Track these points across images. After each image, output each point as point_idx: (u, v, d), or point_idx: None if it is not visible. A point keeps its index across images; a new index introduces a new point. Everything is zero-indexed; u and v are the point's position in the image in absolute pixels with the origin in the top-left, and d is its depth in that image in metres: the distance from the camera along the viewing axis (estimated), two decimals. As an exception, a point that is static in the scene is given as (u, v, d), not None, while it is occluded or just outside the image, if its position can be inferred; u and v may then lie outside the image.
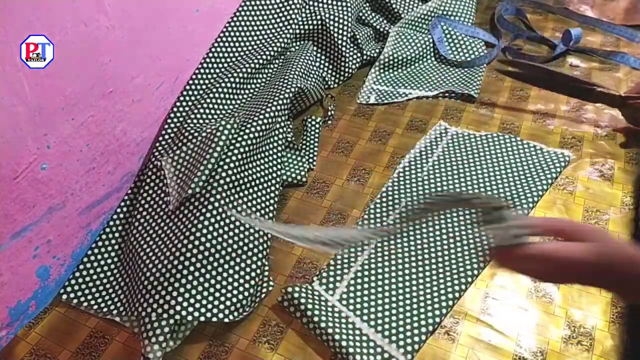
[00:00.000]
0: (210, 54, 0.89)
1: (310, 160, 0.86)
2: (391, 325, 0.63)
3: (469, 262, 0.68)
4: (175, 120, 0.83)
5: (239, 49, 0.94)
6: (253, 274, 0.67)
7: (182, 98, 0.84)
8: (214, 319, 0.62)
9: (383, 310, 0.65)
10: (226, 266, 0.66)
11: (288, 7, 0.99)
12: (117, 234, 0.75)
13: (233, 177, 0.71)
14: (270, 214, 0.74)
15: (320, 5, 1.02)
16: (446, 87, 0.98)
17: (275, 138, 0.82)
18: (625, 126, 0.85)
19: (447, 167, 0.82)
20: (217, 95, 0.85)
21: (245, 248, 0.68)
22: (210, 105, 0.84)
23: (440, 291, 0.66)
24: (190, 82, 0.86)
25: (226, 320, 0.63)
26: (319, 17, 1.00)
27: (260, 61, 0.91)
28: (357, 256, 0.71)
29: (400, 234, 0.72)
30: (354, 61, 1.04)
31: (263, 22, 0.97)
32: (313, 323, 0.62)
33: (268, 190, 0.76)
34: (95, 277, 0.71)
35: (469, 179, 0.80)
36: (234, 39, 0.93)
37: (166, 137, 0.81)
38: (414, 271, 0.68)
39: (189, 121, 0.80)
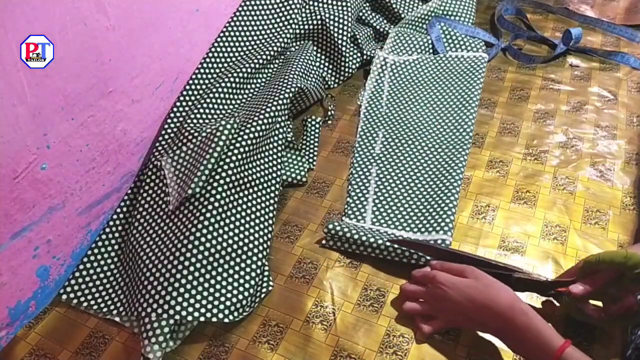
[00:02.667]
0: (210, 54, 0.89)
1: (310, 160, 0.86)
2: (422, 221, 0.73)
3: (458, 132, 0.86)
4: (175, 120, 0.83)
5: (239, 49, 0.94)
6: (253, 274, 0.67)
7: (182, 98, 0.84)
8: (214, 319, 0.62)
9: (410, 213, 0.75)
10: (226, 266, 0.66)
11: (288, 7, 0.99)
12: (117, 234, 0.75)
13: (233, 177, 0.71)
14: (270, 214, 0.74)
15: (320, 5, 1.02)
16: None
17: (275, 138, 0.82)
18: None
19: (399, 96, 0.95)
20: (217, 95, 0.85)
21: (245, 248, 0.68)
22: (210, 105, 0.84)
23: (447, 169, 0.80)
24: (190, 82, 0.86)
25: (226, 320, 0.63)
26: (319, 17, 1.00)
27: (260, 61, 0.91)
28: (368, 183, 0.80)
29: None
30: (354, 61, 1.04)
31: (263, 22, 0.97)
32: (364, 245, 0.69)
33: (268, 190, 0.76)
34: (95, 277, 0.71)
35: (419, 102, 0.94)
36: (234, 39, 0.93)
37: (166, 137, 0.81)
38: (418, 165, 0.82)
39: (188, 121, 0.80)
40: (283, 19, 0.99)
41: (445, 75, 0.99)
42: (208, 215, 0.67)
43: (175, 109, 0.83)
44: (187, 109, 0.84)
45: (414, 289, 0.63)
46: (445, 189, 0.77)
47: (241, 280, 0.66)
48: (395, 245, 0.68)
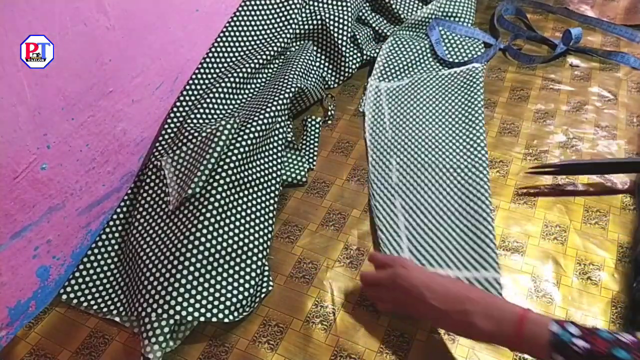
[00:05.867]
0: (210, 54, 0.89)
1: (310, 160, 0.86)
2: (464, 258, 0.68)
3: (472, 149, 0.82)
4: (175, 120, 0.83)
5: (239, 49, 0.94)
6: (253, 274, 0.67)
7: (182, 98, 0.84)
8: (214, 319, 0.62)
9: (449, 250, 0.70)
10: (226, 266, 0.66)
11: (288, 7, 0.99)
12: (117, 234, 0.75)
13: (233, 177, 0.71)
14: (270, 214, 0.74)
15: (320, 5, 1.02)
16: None
17: (275, 138, 0.82)
18: None
19: (401, 120, 0.91)
20: (217, 95, 0.85)
21: (245, 248, 0.68)
22: (210, 105, 0.84)
23: (473, 193, 0.75)
24: (190, 82, 0.86)
25: (226, 320, 0.63)
26: (319, 17, 1.00)
27: (260, 61, 0.91)
28: (396, 217, 0.74)
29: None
30: (354, 61, 1.04)
31: (263, 22, 0.97)
32: None
33: (268, 190, 0.76)
34: (95, 277, 0.71)
35: (423, 123, 0.89)
36: (234, 39, 0.93)
37: (166, 137, 0.81)
38: (442, 192, 0.77)
39: (188, 121, 0.80)
40: (283, 19, 0.99)
41: (443, 92, 0.95)
42: (208, 215, 0.67)
43: (175, 109, 0.83)
44: (187, 109, 0.84)
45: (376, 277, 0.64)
46: (478, 221, 0.71)
47: (241, 280, 0.66)
48: None
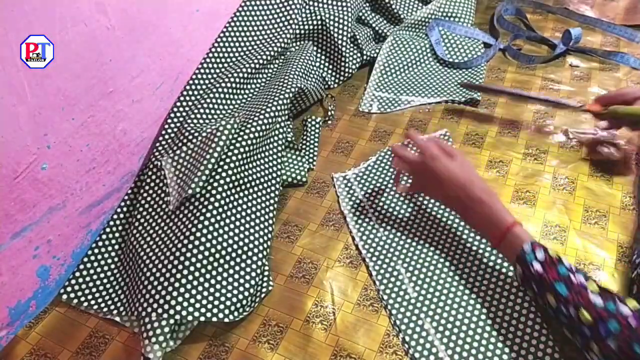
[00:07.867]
0: (210, 54, 0.89)
1: (310, 160, 0.86)
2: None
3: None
4: (175, 120, 0.83)
5: (239, 49, 0.94)
6: (253, 274, 0.67)
7: (182, 98, 0.84)
8: (214, 319, 0.62)
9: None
10: (226, 266, 0.66)
11: (288, 7, 0.99)
12: (117, 234, 0.75)
13: (233, 177, 0.71)
14: (270, 214, 0.75)
15: (320, 5, 1.02)
16: (449, 96, 0.96)
17: (275, 138, 0.82)
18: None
19: (386, 209, 0.77)
20: (217, 95, 0.85)
21: (245, 248, 0.69)
22: (211, 105, 0.84)
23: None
24: (191, 82, 0.86)
25: (226, 320, 0.63)
26: (319, 17, 1.00)
27: (260, 61, 0.91)
28: (432, 346, 0.61)
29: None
30: (354, 61, 1.04)
31: (263, 22, 0.97)
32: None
33: (268, 190, 0.76)
34: (95, 277, 0.71)
35: (412, 206, 0.77)
36: (234, 39, 0.93)
37: (166, 137, 0.81)
38: (476, 306, 0.64)
39: (189, 121, 0.80)
40: (283, 19, 0.99)
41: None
42: (208, 215, 0.67)
43: (175, 109, 0.83)
44: (187, 109, 0.84)
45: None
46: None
47: (241, 280, 0.66)
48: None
